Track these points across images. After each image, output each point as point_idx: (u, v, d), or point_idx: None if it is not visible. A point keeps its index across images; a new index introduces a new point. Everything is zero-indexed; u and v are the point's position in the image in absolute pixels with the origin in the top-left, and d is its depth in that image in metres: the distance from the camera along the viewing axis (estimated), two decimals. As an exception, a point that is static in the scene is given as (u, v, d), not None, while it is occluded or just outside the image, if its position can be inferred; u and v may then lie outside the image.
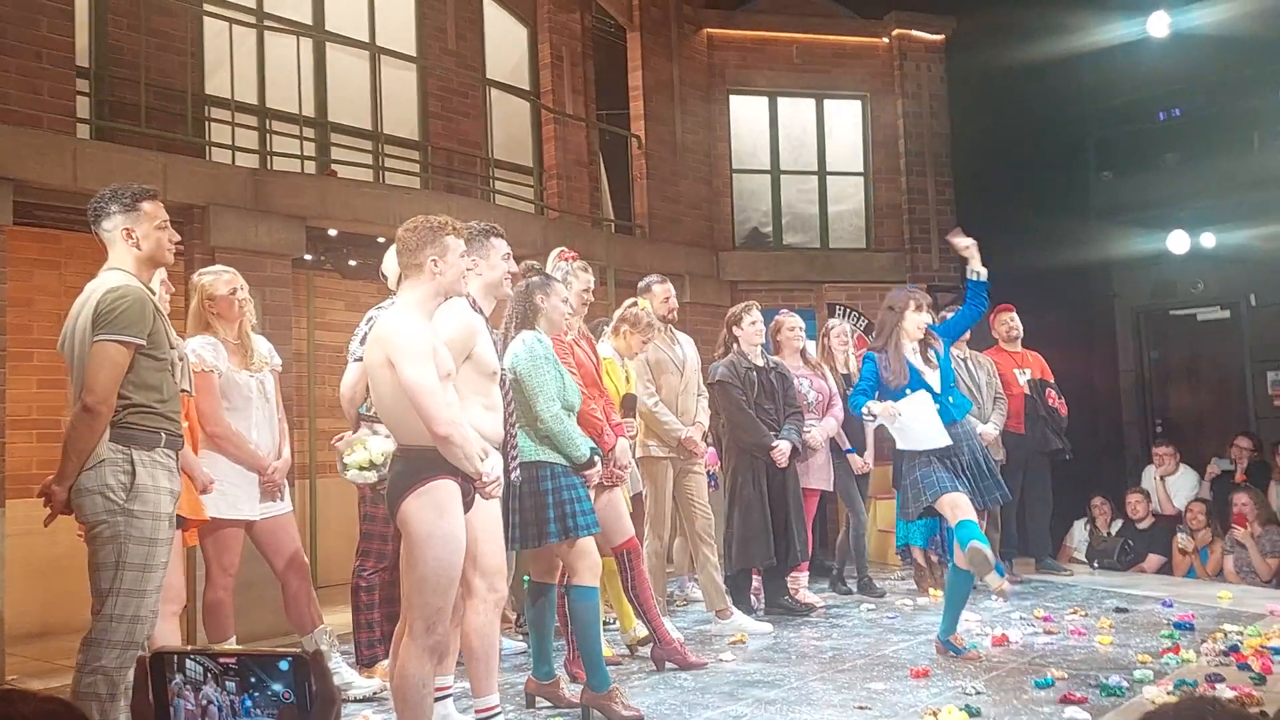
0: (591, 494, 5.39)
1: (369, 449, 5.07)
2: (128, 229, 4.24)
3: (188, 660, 1.74)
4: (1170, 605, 7.38)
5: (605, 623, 6.13)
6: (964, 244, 6.24)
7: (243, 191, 7.57)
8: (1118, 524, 10.22)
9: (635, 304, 6.80)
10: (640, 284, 7.31)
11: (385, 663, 5.74)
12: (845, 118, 12.92)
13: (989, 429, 8.16)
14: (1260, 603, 7.45)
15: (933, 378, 6.05)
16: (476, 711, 4.62)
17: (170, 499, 4.22)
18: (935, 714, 4.89)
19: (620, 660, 6.23)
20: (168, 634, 4.84)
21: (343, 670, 5.61)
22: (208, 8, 8.46)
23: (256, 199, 7.62)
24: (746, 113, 12.70)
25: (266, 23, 8.92)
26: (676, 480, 7.06)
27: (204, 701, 1.73)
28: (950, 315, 7.15)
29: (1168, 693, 5.06)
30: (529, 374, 5.14)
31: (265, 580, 6.00)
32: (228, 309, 5.51)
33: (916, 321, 6.12)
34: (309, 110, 8.96)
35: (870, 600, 7.97)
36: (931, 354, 6.13)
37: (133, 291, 4.13)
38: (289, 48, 8.93)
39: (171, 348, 4.30)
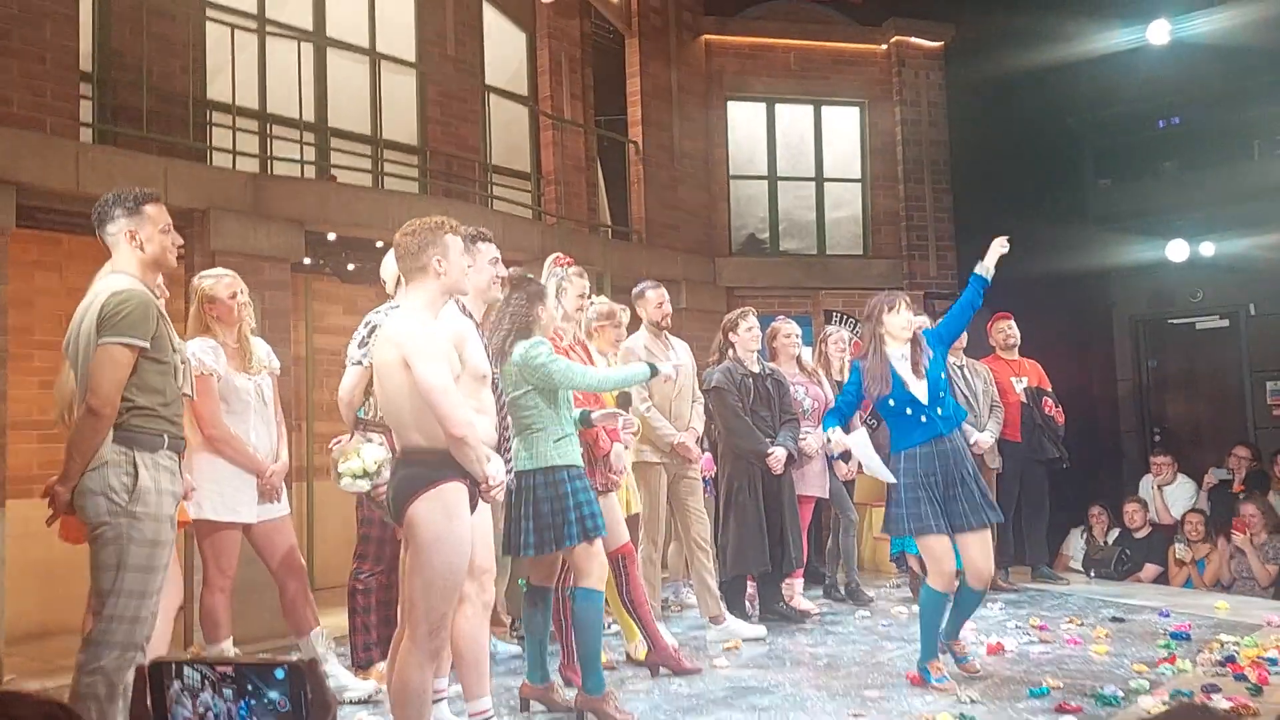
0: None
1: (363, 457, 5.08)
2: (132, 232, 4.27)
3: (186, 668, 1.76)
4: (1167, 615, 7.38)
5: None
6: (1002, 248, 5.84)
7: (243, 196, 7.59)
8: (1115, 533, 10.23)
9: (602, 300, 6.83)
10: (634, 290, 7.32)
11: (381, 665, 5.75)
12: (843, 124, 12.95)
13: (985, 437, 8.18)
14: (1257, 613, 7.44)
15: (919, 388, 5.69)
16: (470, 715, 4.62)
17: (172, 501, 4.24)
18: (929, 721, 4.92)
19: (615, 666, 6.23)
20: (162, 630, 4.84)
21: (339, 672, 5.62)
22: (210, 13, 8.49)
23: (256, 203, 7.64)
24: (744, 119, 12.74)
25: (268, 28, 8.95)
26: (671, 486, 7.07)
27: (202, 709, 1.75)
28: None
29: (1163, 703, 5.05)
30: (545, 368, 5.10)
31: (262, 583, 6.02)
32: (227, 312, 5.53)
33: (898, 323, 5.75)
34: (309, 115, 8.99)
35: (863, 607, 7.97)
36: (923, 363, 5.75)
37: (137, 295, 4.15)
38: (290, 53, 8.96)
39: (174, 351, 4.32)
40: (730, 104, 12.65)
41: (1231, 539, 9.29)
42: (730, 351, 7.51)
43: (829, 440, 5.98)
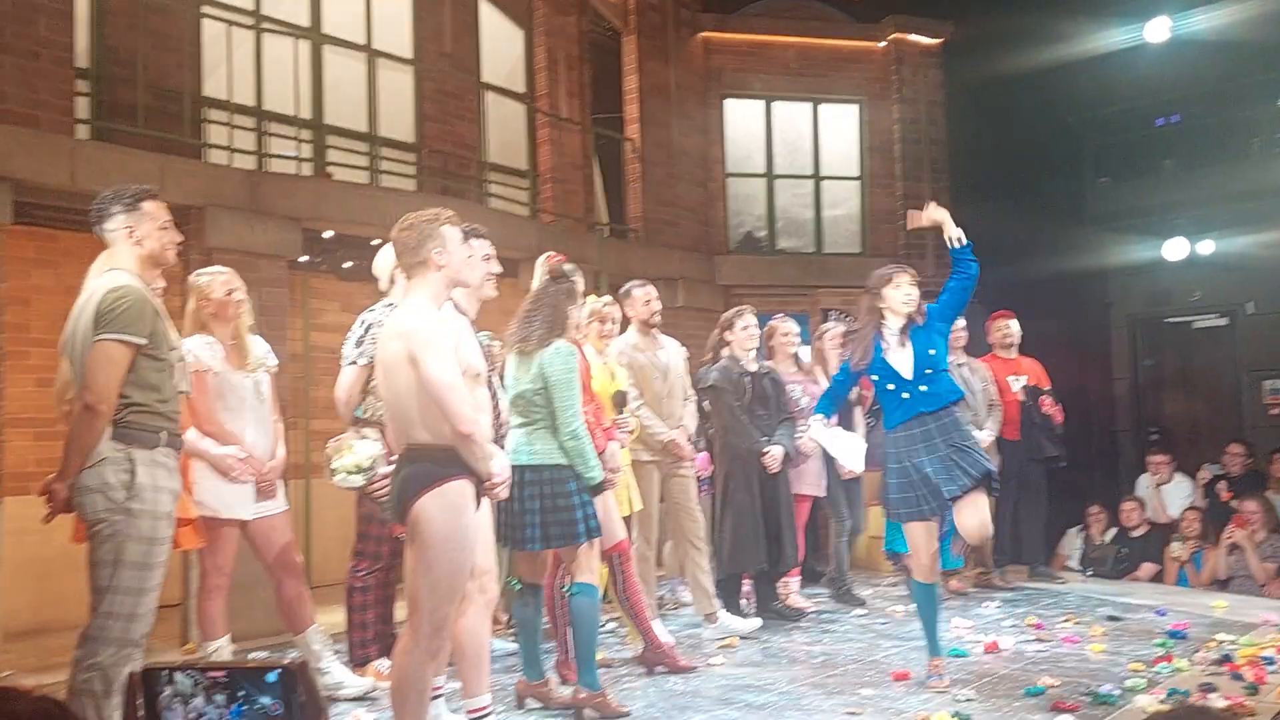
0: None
1: (356, 452, 5.08)
2: (130, 228, 4.28)
3: (177, 674, 1.76)
4: (1164, 614, 7.38)
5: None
6: (931, 218, 5.83)
7: (239, 193, 7.58)
8: (1112, 532, 10.22)
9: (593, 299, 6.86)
10: (621, 290, 7.31)
11: (378, 662, 5.76)
12: (841, 122, 12.94)
13: (984, 436, 8.16)
14: (1254, 612, 7.44)
15: (901, 359, 5.62)
16: (468, 712, 4.62)
17: (170, 498, 4.24)
18: (926, 720, 4.92)
19: (611, 663, 6.24)
20: None
21: (335, 669, 5.62)
22: (206, 9, 8.46)
23: (253, 200, 7.63)
24: (742, 117, 12.73)
25: (264, 25, 8.93)
26: (664, 484, 7.07)
27: (193, 714, 1.75)
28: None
29: (1160, 702, 5.05)
30: (561, 385, 5.15)
31: (259, 580, 6.00)
32: (224, 310, 5.53)
33: (897, 297, 5.72)
34: (305, 112, 8.97)
35: (859, 606, 7.96)
36: (909, 334, 5.67)
37: (134, 291, 4.15)
38: (286, 50, 8.94)
39: (172, 348, 4.32)
40: (728, 102, 12.64)
41: (1230, 535, 9.27)
42: (727, 350, 7.50)
43: (811, 428, 5.95)
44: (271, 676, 1.71)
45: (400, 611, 5.11)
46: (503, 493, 4.29)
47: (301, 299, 9.32)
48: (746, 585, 7.70)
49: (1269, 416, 13.48)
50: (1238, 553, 9.20)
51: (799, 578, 7.99)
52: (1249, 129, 14.01)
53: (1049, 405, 8.79)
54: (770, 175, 12.71)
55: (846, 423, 7.89)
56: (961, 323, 8.06)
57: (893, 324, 5.75)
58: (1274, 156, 13.63)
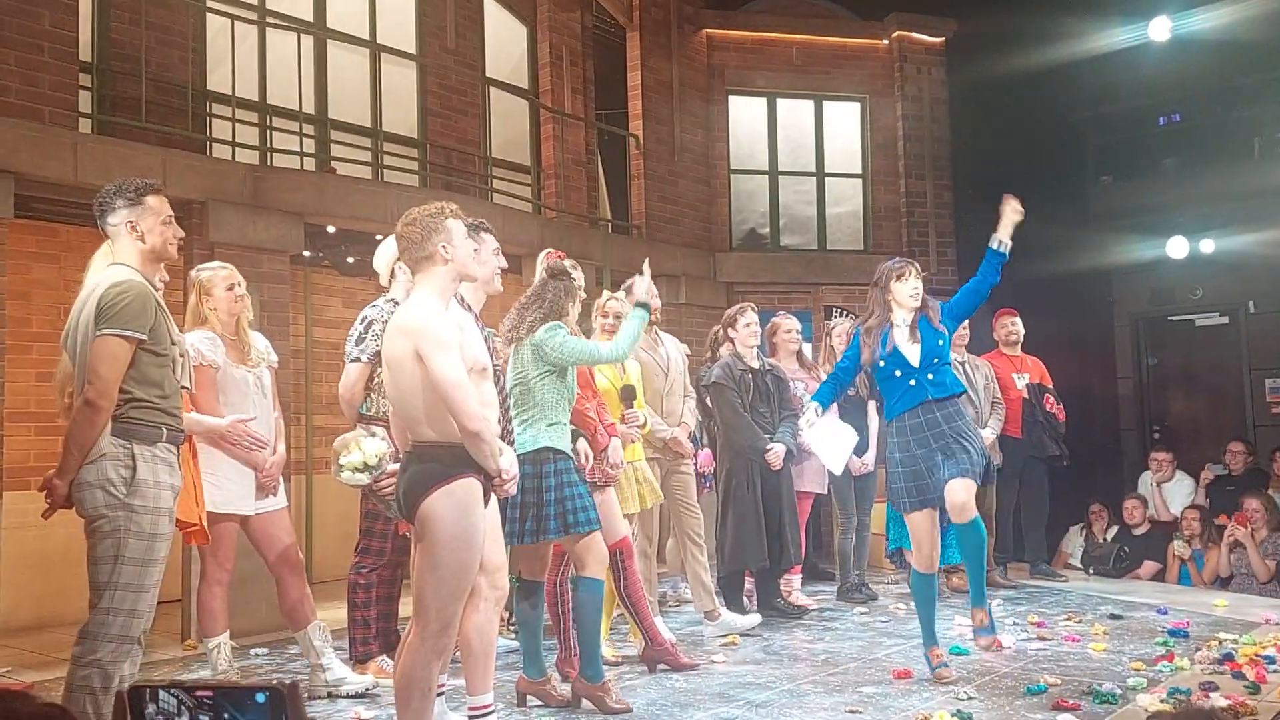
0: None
1: (363, 450, 5.05)
2: (133, 223, 4.26)
3: (162, 692, 1.72)
4: (1165, 612, 7.38)
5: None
6: (1016, 213, 5.78)
7: (242, 188, 7.57)
8: (1114, 530, 10.22)
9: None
10: (624, 285, 7.29)
11: (379, 659, 5.76)
12: (844, 120, 12.92)
13: (986, 433, 8.16)
14: (1256, 611, 7.45)
15: (911, 350, 5.68)
16: (470, 709, 4.60)
17: (171, 494, 4.23)
18: (927, 719, 4.90)
19: (620, 661, 6.23)
20: None
21: (335, 665, 5.61)
22: (210, 4, 8.46)
23: (256, 195, 7.63)
24: (745, 114, 12.71)
25: (268, 19, 8.93)
26: (664, 481, 7.05)
27: None
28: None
29: (1161, 701, 5.05)
30: (565, 345, 5.19)
31: (260, 576, 6.00)
32: (225, 305, 5.52)
33: (905, 291, 5.76)
34: (309, 107, 8.96)
35: (862, 604, 7.95)
36: (919, 326, 5.74)
37: (135, 286, 4.13)
38: (290, 44, 8.93)
39: (173, 343, 4.31)
40: (731, 98, 12.62)
41: (1232, 532, 9.26)
42: (729, 346, 7.49)
43: (807, 422, 5.92)
44: (260, 697, 1.67)
45: (405, 608, 5.10)
46: (511, 489, 4.27)
47: (304, 294, 9.32)
48: (749, 583, 7.69)
49: (1271, 414, 13.47)
50: (1240, 550, 9.20)
51: (801, 575, 7.99)
52: (1251, 128, 13.98)
53: (1052, 403, 8.79)
54: (773, 172, 12.68)
55: (859, 419, 7.89)
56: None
57: (900, 317, 5.79)
58: (1276, 155, 13.60)
